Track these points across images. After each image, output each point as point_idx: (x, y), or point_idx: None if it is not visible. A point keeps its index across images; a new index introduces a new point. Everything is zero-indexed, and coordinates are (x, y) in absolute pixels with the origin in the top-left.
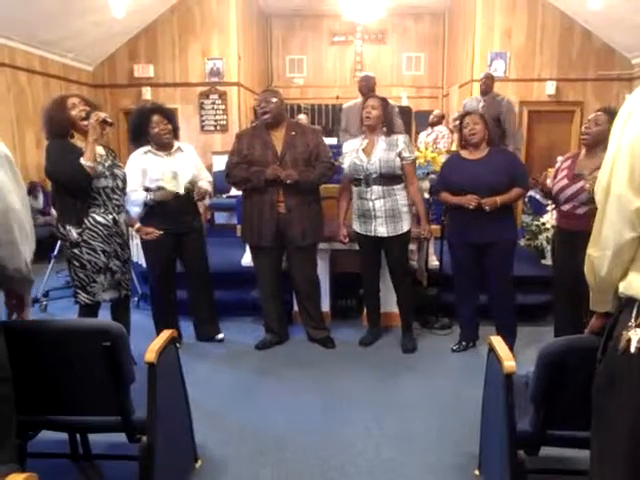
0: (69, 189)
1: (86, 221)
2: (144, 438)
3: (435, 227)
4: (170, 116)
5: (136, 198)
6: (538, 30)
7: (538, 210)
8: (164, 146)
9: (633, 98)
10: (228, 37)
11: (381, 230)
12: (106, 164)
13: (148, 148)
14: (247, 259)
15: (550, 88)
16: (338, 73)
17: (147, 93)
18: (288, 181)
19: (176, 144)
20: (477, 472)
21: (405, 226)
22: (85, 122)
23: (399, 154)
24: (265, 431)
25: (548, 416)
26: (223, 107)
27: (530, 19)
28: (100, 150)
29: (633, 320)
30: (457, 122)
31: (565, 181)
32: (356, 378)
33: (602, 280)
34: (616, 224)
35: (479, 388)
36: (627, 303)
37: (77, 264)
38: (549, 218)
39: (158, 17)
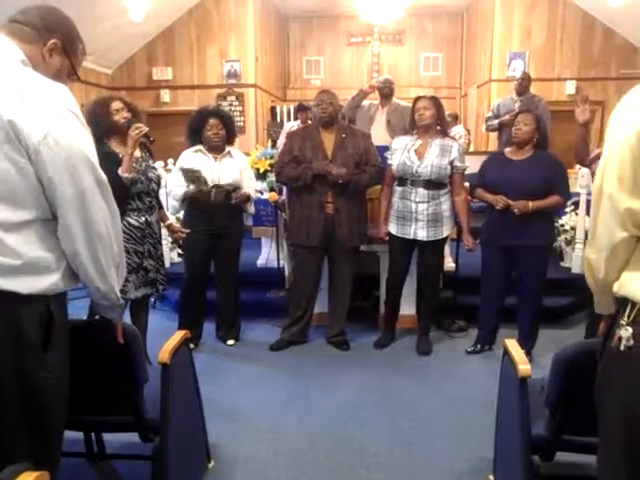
0: None
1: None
2: (157, 438)
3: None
4: (227, 123)
5: (177, 192)
6: (558, 29)
7: (556, 211)
8: (214, 148)
9: (626, 100)
10: (245, 39)
11: (421, 234)
12: (141, 168)
13: (199, 147)
14: (262, 260)
15: (570, 88)
16: (355, 74)
17: (166, 95)
18: (340, 181)
19: (227, 149)
20: (491, 477)
21: (445, 231)
22: (125, 127)
23: (451, 162)
24: (278, 432)
25: (563, 421)
26: (240, 109)
27: (550, 18)
28: (136, 153)
29: (625, 318)
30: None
31: None
32: (370, 381)
33: (601, 282)
34: (608, 224)
35: (494, 392)
36: (621, 302)
37: None
38: (568, 220)
39: (176, 20)
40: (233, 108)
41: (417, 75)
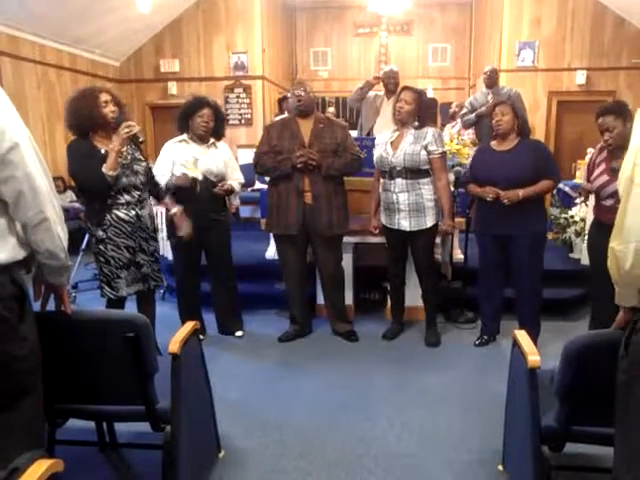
0: (88, 193)
1: (109, 218)
2: (168, 427)
3: (460, 220)
4: (219, 118)
5: (160, 182)
6: (568, 17)
7: (567, 203)
8: (200, 138)
9: None
10: (252, 30)
11: (404, 224)
12: (126, 161)
13: (183, 137)
14: (271, 252)
15: (580, 78)
16: (363, 65)
17: (173, 88)
18: (307, 161)
19: (212, 140)
20: (501, 467)
21: (429, 221)
22: (113, 121)
23: (425, 147)
24: (287, 423)
25: (573, 412)
26: (248, 101)
27: (560, 6)
28: None
29: None
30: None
31: (605, 177)
32: (378, 372)
33: (626, 274)
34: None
35: (502, 382)
36: None
37: (102, 260)
38: (578, 211)
39: (183, 12)
40: (240, 100)
41: (425, 66)
